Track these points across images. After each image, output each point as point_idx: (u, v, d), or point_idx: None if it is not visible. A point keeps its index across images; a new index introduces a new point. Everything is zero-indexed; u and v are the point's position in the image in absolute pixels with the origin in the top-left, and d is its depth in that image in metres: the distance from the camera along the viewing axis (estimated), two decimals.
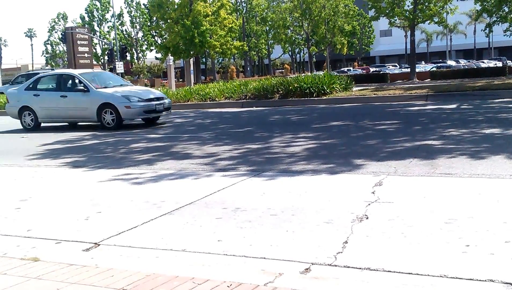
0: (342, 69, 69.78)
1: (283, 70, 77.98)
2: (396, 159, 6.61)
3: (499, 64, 51.74)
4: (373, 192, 4.88)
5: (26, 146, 10.70)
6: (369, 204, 4.46)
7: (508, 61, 59.46)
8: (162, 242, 3.84)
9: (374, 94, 17.54)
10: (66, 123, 14.72)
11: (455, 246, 3.37)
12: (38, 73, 34.41)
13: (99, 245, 3.89)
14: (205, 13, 47.84)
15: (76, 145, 10.35)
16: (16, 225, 4.57)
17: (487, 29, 36.80)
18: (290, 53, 79.97)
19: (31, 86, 14.62)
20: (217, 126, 12.53)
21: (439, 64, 53.91)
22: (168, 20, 49.13)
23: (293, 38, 70.54)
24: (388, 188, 5.08)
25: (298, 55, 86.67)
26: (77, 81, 13.84)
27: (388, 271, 3.04)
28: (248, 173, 6.28)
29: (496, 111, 11.95)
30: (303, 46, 75.27)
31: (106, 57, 64.12)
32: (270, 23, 68.97)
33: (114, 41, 48.02)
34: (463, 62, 60.94)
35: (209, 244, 3.72)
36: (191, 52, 48.91)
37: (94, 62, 67.50)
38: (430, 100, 15.73)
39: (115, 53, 42.85)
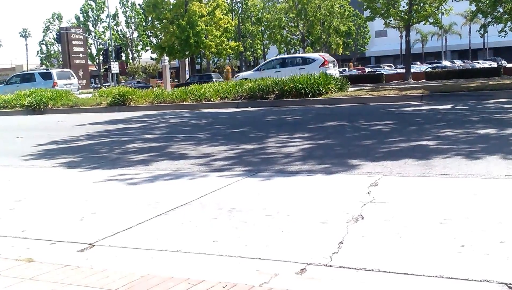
0: (337, 69, 69.72)
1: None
2: (392, 160, 6.62)
3: (494, 64, 51.92)
4: (368, 193, 4.88)
5: (20, 147, 10.67)
6: (364, 205, 4.46)
7: (503, 62, 59.68)
8: (157, 243, 3.83)
9: (370, 94, 17.55)
10: None
11: (451, 246, 3.37)
12: (33, 73, 34.27)
13: (94, 245, 3.88)
14: (200, 14, 47.84)
15: (71, 146, 10.32)
16: (11, 225, 4.55)
17: (482, 29, 36.92)
18: (285, 53, 80.00)
19: None
20: (213, 127, 12.51)
21: (434, 65, 54.08)
22: (163, 20, 49.12)
23: (289, 39, 70.55)
24: (383, 188, 5.08)
25: None
26: None
27: (384, 272, 3.04)
28: (244, 174, 6.27)
29: (491, 112, 11.98)
30: (298, 47, 75.29)
31: (101, 57, 64.05)
32: (265, 23, 68.98)
33: (109, 41, 47.94)
34: (458, 62, 61.18)
35: (204, 245, 3.71)
36: (186, 52, 48.90)
37: (89, 62, 67.49)
38: (425, 101, 15.75)
39: (110, 53, 42.79)
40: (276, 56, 28.27)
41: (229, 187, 5.53)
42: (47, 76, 32.57)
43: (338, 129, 10.58)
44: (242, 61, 77.80)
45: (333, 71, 24.30)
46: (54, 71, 34.01)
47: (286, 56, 29.19)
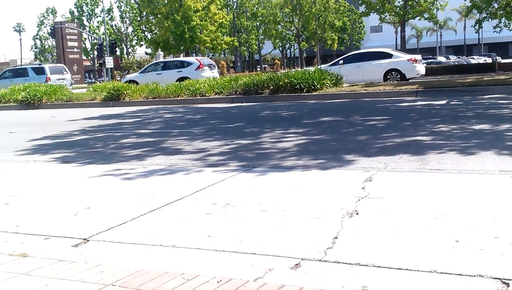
0: (215, 72, 69.79)
1: (273, 66, 77.96)
2: (386, 155, 6.62)
3: (489, 60, 52.06)
4: (363, 188, 4.89)
5: (14, 142, 10.62)
6: (359, 200, 4.46)
7: (497, 58, 59.83)
8: (152, 238, 3.82)
9: (365, 90, 17.55)
10: None
11: (445, 241, 3.38)
12: (26, 68, 34.26)
13: (88, 240, 3.87)
14: (195, 8, 47.73)
15: (65, 141, 10.28)
16: (4, 220, 4.54)
17: (477, 25, 37.01)
18: (280, 48, 79.96)
19: None
20: (207, 122, 12.49)
21: (429, 60, 54.11)
22: (158, 15, 49.00)
23: (284, 34, 70.54)
24: (378, 183, 5.08)
25: (288, 51, 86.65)
26: None
27: (378, 267, 3.04)
28: (239, 169, 6.26)
29: (486, 107, 12.00)
30: (293, 42, 75.29)
31: (95, 52, 63.85)
32: (260, 18, 68.92)
33: (104, 36, 47.80)
34: (453, 58, 61.25)
35: (199, 240, 3.70)
36: (181, 47, 48.81)
37: (84, 57, 67.26)
38: (420, 96, 15.76)
39: (104, 48, 42.63)
40: (161, 59, 36.23)
41: (224, 182, 5.52)
42: (40, 71, 32.41)
43: (333, 125, 10.59)
44: (237, 56, 77.65)
45: (210, 73, 26.28)
46: (47, 66, 33.84)
47: (167, 60, 34.47)
